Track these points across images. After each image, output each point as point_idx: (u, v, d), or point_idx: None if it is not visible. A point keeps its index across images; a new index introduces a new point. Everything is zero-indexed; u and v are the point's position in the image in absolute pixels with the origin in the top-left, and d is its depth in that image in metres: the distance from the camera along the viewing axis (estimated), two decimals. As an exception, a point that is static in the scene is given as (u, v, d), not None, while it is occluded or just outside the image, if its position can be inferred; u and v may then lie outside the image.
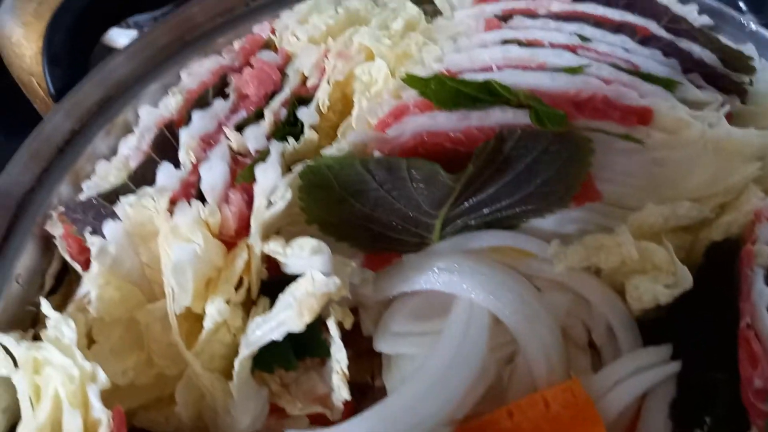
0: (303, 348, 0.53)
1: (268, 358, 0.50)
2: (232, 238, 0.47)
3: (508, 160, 0.51)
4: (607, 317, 0.52)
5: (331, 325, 0.49)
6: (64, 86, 0.55)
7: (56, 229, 0.50)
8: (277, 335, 0.45)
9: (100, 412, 0.38)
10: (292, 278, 0.51)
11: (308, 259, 0.47)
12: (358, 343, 0.55)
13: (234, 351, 0.50)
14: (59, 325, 0.40)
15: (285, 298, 0.47)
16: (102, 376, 0.39)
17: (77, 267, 0.49)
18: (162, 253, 0.45)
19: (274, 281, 0.52)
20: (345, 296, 0.46)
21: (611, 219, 0.54)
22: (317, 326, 0.53)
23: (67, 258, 0.50)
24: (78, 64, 0.57)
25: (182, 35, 0.60)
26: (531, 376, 0.51)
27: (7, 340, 0.41)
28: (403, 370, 0.51)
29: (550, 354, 0.51)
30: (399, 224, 0.54)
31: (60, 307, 0.52)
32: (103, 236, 0.47)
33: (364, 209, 0.52)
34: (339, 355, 0.48)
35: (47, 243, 0.51)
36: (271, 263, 0.51)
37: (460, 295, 0.52)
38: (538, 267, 0.54)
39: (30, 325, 0.49)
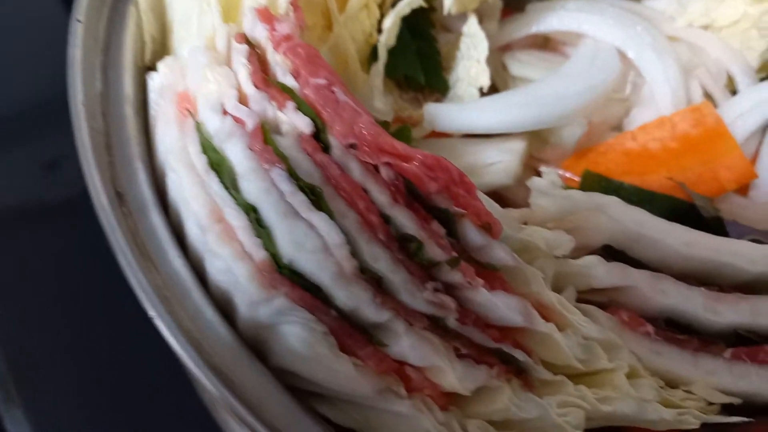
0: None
1: (397, 63, 0.50)
2: None
3: None
4: (726, 65, 0.54)
5: (472, 20, 0.49)
6: None
7: None
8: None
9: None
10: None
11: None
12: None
13: (366, 49, 0.50)
14: None
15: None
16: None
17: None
18: None
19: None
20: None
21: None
22: (438, 60, 0.54)
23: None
24: None
25: None
26: (656, 108, 0.52)
27: None
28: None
29: (676, 88, 0.52)
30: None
31: None
32: None
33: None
34: (482, 45, 0.48)
35: None
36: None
37: (586, 33, 0.53)
38: (657, 25, 0.56)
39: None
